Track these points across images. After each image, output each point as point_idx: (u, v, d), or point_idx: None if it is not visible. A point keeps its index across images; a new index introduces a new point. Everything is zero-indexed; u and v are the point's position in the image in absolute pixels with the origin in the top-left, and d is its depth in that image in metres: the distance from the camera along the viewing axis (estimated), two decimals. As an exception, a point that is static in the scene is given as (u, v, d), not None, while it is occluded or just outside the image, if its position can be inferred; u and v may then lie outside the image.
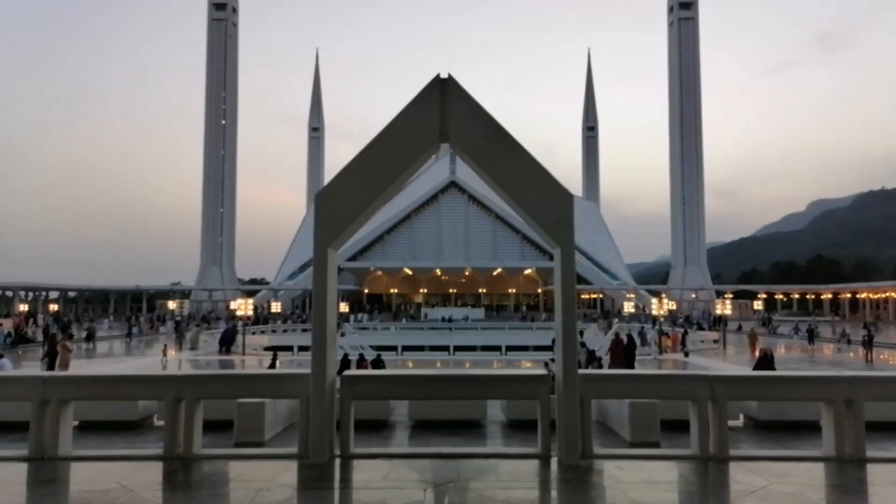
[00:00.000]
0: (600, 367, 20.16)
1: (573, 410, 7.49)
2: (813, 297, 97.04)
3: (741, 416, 12.15)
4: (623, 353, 19.22)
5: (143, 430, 11.67)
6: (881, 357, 30.67)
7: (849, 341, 40.35)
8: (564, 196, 7.61)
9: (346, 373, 8.50)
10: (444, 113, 7.74)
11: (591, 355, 20.64)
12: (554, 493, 6.71)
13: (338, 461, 7.63)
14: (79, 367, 23.94)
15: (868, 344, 30.22)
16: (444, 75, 7.88)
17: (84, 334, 43.77)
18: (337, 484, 6.96)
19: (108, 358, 35.06)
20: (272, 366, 23.95)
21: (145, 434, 11.33)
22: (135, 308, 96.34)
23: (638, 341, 35.74)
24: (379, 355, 25.89)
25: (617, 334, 23.44)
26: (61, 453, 7.70)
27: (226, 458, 7.84)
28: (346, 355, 23.94)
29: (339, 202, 7.70)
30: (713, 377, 8.01)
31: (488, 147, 7.82)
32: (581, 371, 7.85)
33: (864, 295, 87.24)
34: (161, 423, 11.87)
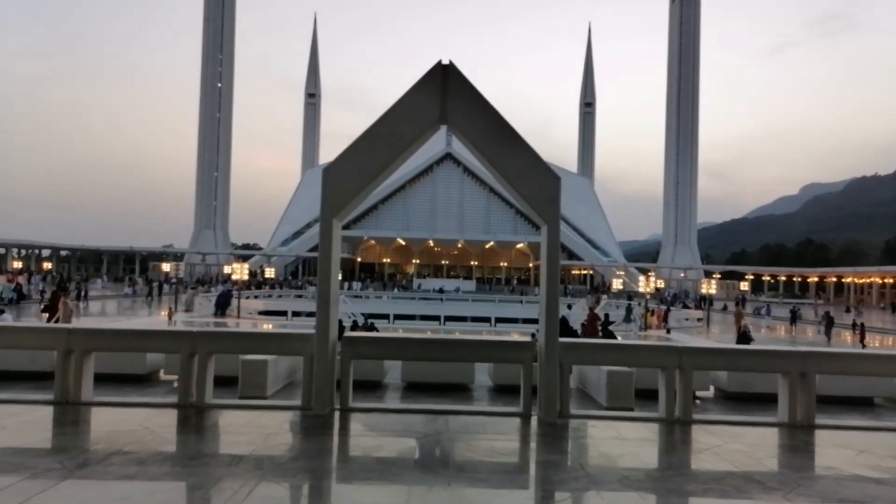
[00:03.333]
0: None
1: (553, 374, 8.24)
2: (799, 279, 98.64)
3: (711, 388, 13.01)
4: (600, 327, 20.10)
5: (151, 382, 12.41)
6: (861, 340, 31.95)
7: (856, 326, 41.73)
8: (553, 179, 8.26)
9: (347, 334, 9.21)
10: (444, 97, 8.33)
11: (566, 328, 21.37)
12: (533, 445, 7.49)
13: (337, 413, 8.37)
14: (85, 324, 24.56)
15: (828, 327, 34.13)
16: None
17: (74, 293, 43.99)
18: (337, 431, 7.72)
19: (104, 318, 35.75)
20: None
21: (153, 386, 12.06)
22: (127, 269, 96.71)
23: (623, 317, 36.75)
24: (372, 322, 26.65)
25: (591, 309, 24.38)
26: (84, 399, 8.40)
27: (235, 408, 8.57)
28: (339, 321, 24.67)
29: (344, 177, 8.32)
30: (681, 348, 8.78)
31: (484, 130, 8.43)
32: (561, 339, 8.58)
33: (849, 279, 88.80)
34: (168, 377, 12.66)
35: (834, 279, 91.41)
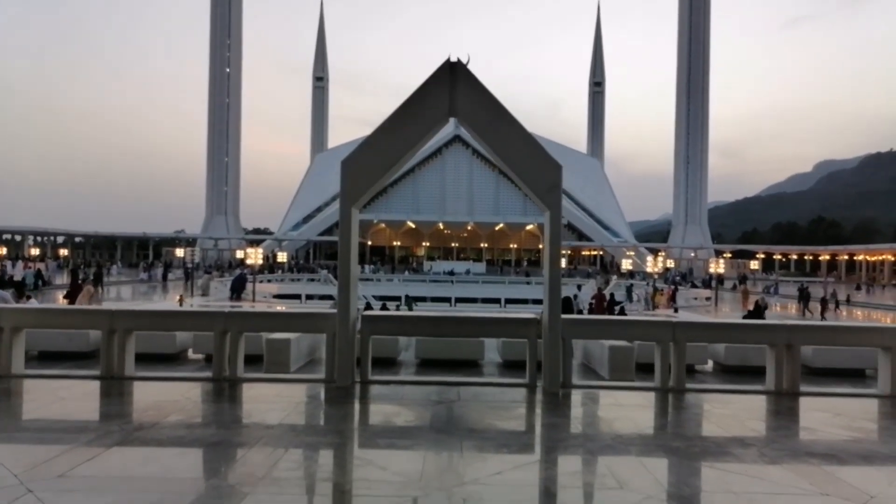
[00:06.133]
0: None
1: (556, 347, 8.96)
2: (811, 258, 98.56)
3: (710, 362, 13.67)
4: (607, 306, 20.76)
5: (181, 361, 13.23)
6: (876, 316, 32.74)
7: (836, 302, 42.27)
8: (554, 167, 8.91)
9: (366, 313, 9.96)
10: (452, 92, 8.97)
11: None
12: (538, 411, 8.23)
13: (358, 385, 9.14)
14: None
15: (822, 302, 36.05)
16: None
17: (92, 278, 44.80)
18: (359, 400, 8.49)
19: (123, 302, 36.76)
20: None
21: (183, 364, 12.88)
22: (141, 255, 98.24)
23: (625, 298, 37.49)
24: (384, 304, 27.53)
25: (599, 289, 25.08)
26: (127, 374, 9.21)
27: (265, 381, 9.36)
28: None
29: (361, 169, 9.01)
30: (676, 322, 9.46)
31: (489, 121, 9.08)
32: (563, 315, 9.28)
33: (860, 257, 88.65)
34: (195, 355, 13.49)
35: (846, 257, 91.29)
